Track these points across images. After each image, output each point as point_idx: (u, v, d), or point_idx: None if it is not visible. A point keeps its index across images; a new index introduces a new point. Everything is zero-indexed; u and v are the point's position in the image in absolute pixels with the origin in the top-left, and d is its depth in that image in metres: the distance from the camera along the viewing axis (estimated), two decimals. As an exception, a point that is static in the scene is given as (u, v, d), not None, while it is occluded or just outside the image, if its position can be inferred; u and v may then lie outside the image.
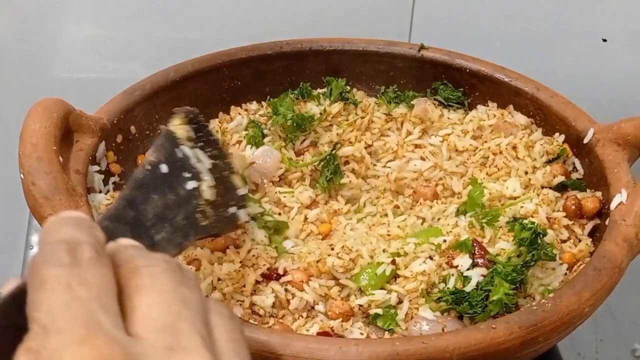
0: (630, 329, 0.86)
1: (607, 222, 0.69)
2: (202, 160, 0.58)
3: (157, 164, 0.53)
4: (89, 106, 0.75)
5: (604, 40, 1.02)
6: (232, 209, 0.61)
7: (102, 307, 0.27)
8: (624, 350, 0.83)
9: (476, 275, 0.67)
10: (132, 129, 0.80)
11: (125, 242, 0.34)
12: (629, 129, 0.74)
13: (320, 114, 0.83)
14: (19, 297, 0.29)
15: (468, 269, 0.68)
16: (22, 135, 0.65)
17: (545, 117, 0.83)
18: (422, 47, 0.90)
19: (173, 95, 0.84)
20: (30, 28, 0.99)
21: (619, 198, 0.70)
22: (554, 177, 0.78)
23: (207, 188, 0.57)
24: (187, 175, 0.55)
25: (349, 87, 0.89)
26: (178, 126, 0.59)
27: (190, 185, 0.54)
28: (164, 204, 0.50)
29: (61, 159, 0.66)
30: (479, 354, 0.56)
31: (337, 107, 0.85)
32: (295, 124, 0.81)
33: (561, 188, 0.78)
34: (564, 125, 0.81)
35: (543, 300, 0.60)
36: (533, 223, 0.69)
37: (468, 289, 0.66)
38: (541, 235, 0.68)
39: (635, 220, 0.67)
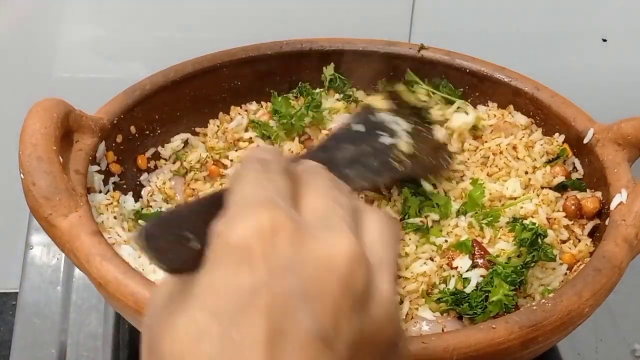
0: (630, 329, 0.86)
1: (607, 222, 0.69)
2: (400, 124, 0.61)
3: (354, 124, 0.57)
4: (89, 106, 0.75)
5: (604, 40, 1.02)
6: (431, 159, 0.64)
7: (281, 196, 0.36)
8: (624, 350, 0.83)
9: (475, 276, 0.67)
10: (132, 129, 0.80)
11: (308, 162, 0.44)
12: (629, 129, 0.74)
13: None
14: (218, 198, 0.38)
15: (467, 270, 0.68)
16: (22, 135, 0.65)
17: (545, 117, 0.83)
18: (422, 47, 0.90)
19: (173, 95, 0.84)
20: (30, 28, 0.99)
21: (619, 198, 0.70)
22: (554, 178, 0.78)
23: (404, 143, 0.60)
24: (383, 133, 0.59)
25: (353, 89, 0.89)
26: (379, 100, 0.63)
27: (386, 140, 0.58)
28: (358, 152, 0.54)
29: (61, 159, 0.66)
30: (478, 354, 0.56)
31: (340, 105, 0.85)
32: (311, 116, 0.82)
33: (561, 188, 0.78)
34: (564, 125, 0.81)
35: (543, 300, 0.60)
36: (534, 224, 0.69)
37: (468, 290, 0.66)
38: (542, 236, 0.68)
39: (635, 220, 0.67)
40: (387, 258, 0.38)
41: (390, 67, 0.91)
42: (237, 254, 0.33)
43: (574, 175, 0.80)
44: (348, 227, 0.36)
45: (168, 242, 0.35)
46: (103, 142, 0.75)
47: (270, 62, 0.89)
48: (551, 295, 0.62)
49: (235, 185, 0.37)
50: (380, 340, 0.36)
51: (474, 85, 0.88)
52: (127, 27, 1.00)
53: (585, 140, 0.78)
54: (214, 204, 0.37)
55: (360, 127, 0.57)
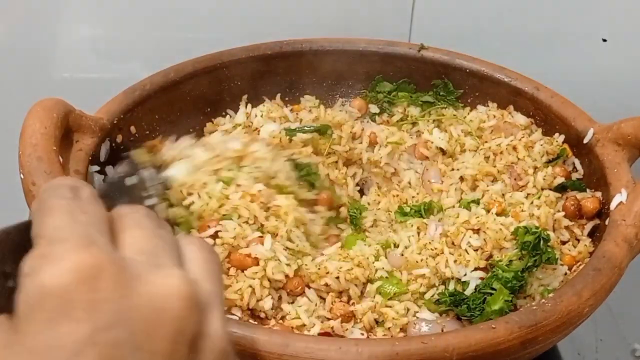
0: (630, 329, 0.86)
1: (607, 222, 0.69)
2: (157, 185, 0.61)
3: (125, 176, 0.57)
4: (89, 106, 0.75)
5: (604, 40, 1.02)
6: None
7: (98, 230, 0.33)
8: (624, 350, 0.83)
9: (474, 280, 0.67)
10: (132, 129, 0.80)
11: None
12: (629, 129, 0.74)
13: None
14: (25, 228, 0.34)
15: (465, 274, 0.68)
16: (22, 135, 0.65)
17: (545, 117, 0.83)
18: (422, 47, 0.90)
19: (173, 95, 0.84)
20: (30, 28, 0.99)
21: (619, 198, 0.70)
22: (554, 178, 0.78)
23: (163, 208, 0.60)
24: (146, 194, 0.58)
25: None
26: (143, 153, 0.65)
27: (150, 202, 0.57)
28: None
29: (61, 159, 0.66)
30: (478, 354, 0.56)
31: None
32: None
33: (561, 189, 0.78)
34: (564, 125, 0.81)
35: (543, 300, 0.60)
36: (537, 227, 0.69)
37: (467, 292, 0.66)
38: (545, 240, 0.67)
39: (635, 220, 0.67)
40: (215, 292, 0.35)
41: (391, 67, 0.91)
42: (54, 303, 0.29)
43: (574, 176, 0.80)
44: (175, 263, 0.33)
45: None
46: (107, 142, 0.75)
47: (270, 62, 0.89)
48: (551, 295, 0.62)
49: (42, 216, 0.32)
50: None
51: (474, 85, 0.88)
52: (127, 27, 1.00)
53: (585, 140, 0.78)
54: (26, 234, 0.33)
55: (133, 180, 0.57)
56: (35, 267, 0.30)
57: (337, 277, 0.67)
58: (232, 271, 0.66)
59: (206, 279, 0.35)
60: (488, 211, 0.73)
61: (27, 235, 0.33)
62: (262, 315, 0.65)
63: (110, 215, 0.35)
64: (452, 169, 0.81)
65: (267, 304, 0.65)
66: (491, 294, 0.65)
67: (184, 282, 0.32)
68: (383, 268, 0.69)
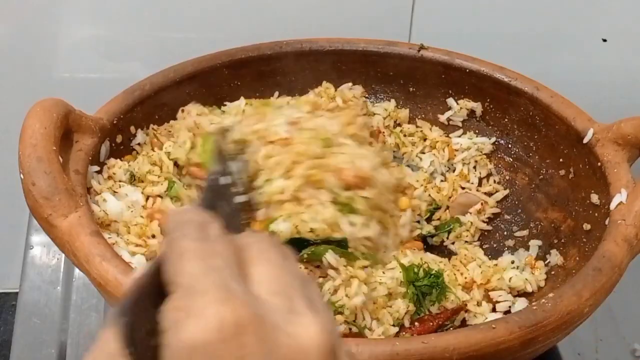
0: (630, 329, 0.86)
1: (607, 222, 0.69)
2: (242, 175, 0.61)
3: (220, 176, 0.56)
4: (89, 106, 0.75)
5: (604, 40, 1.02)
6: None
7: (232, 274, 0.32)
8: (624, 350, 0.83)
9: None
10: (132, 129, 0.80)
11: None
12: (628, 129, 0.74)
13: None
14: (155, 272, 0.33)
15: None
16: (22, 135, 0.65)
17: (545, 117, 0.83)
18: (422, 47, 0.90)
19: (173, 95, 0.84)
20: (30, 28, 0.99)
21: (619, 198, 0.70)
22: None
23: (247, 202, 0.57)
24: (238, 189, 0.56)
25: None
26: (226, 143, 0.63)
27: (240, 198, 0.55)
28: (227, 211, 0.51)
29: (61, 159, 0.66)
30: (479, 354, 0.56)
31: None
32: None
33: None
34: (563, 125, 0.81)
35: (543, 300, 0.60)
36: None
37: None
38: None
39: (635, 220, 0.67)
40: (338, 332, 0.35)
41: (390, 67, 0.91)
42: None
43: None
44: (308, 306, 0.33)
45: (143, 335, 0.31)
46: (107, 143, 0.75)
47: (270, 62, 0.89)
48: (551, 295, 0.62)
49: (175, 261, 0.33)
50: None
51: (474, 85, 0.88)
52: (127, 27, 1.00)
53: (585, 140, 0.78)
54: (157, 282, 0.33)
55: (226, 180, 0.56)
56: (177, 321, 0.30)
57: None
58: None
59: (330, 320, 0.34)
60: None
61: (157, 280, 0.33)
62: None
63: (236, 247, 0.35)
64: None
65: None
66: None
67: (322, 331, 0.32)
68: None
